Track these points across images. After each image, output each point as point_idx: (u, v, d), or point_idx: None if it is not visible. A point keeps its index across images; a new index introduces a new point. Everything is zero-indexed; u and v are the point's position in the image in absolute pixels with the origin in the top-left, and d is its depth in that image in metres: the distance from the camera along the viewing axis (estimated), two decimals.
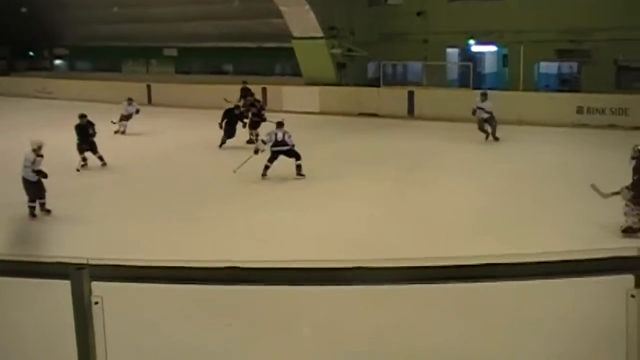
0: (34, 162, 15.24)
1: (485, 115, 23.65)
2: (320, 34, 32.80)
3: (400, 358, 8.11)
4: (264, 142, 18.90)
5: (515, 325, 8.75)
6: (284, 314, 8.73)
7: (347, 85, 33.21)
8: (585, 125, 26.02)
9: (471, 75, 30.84)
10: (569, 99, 27.85)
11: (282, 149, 18.54)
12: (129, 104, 26.98)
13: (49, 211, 15.41)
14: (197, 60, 41.47)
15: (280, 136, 18.61)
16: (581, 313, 8.56)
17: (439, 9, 33.20)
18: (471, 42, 33.22)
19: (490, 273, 2.20)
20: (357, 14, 33.85)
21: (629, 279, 2.18)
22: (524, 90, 29.32)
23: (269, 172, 18.47)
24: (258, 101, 25.86)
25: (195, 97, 34.33)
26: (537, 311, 8.75)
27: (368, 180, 17.97)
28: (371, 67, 35.20)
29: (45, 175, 15.39)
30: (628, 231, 12.69)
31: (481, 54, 35.31)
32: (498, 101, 24.89)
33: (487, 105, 23.70)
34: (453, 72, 35.05)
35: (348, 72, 34.02)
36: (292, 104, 31.95)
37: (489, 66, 36.36)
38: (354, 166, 19.59)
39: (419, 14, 33.29)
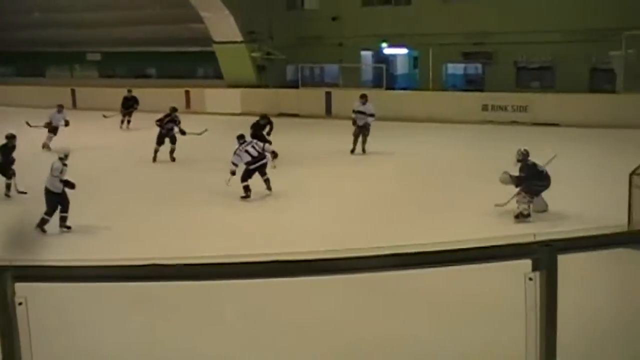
0: (62, 172, 13.80)
1: (370, 119, 21.04)
2: (241, 39, 32.71)
3: (329, 347, 8.16)
4: (235, 165, 16.33)
5: (430, 311, 8.90)
6: (207, 308, 8.64)
7: (267, 87, 33.18)
8: (490, 122, 26.66)
9: (384, 76, 31.27)
10: (475, 97, 28.50)
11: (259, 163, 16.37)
12: (59, 111, 24.09)
13: (69, 227, 13.74)
14: (121, 65, 40.62)
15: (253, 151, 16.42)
16: (487, 297, 8.75)
17: (352, 14, 33.53)
18: (384, 45, 33.62)
19: (403, 262, 2.23)
20: (276, 19, 33.82)
21: (527, 263, 2.25)
22: (433, 89, 29.88)
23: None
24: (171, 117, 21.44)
25: (119, 101, 33.58)
26: (447, 296, 8.90)
27: (287, 177, 17.92)
28: (290, 70, 35.21)
29: (73, 186, 13.83)
30: (519, 217, 13.50)
31: (393, 56, 35.78)
32: (410, 100, 25.35)
33: (368, 108, 21.25)
34: (367, 73, 35.39)
35: (268, 74, 33.99)
36: (214, 105, 31.78)
37: (401, 68, 36.88)
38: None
39: (334, 18, 33.57)
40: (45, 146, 22.96)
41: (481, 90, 30.21)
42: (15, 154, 17.23)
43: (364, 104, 21.15)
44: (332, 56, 33.29)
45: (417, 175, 17.65)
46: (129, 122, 28.10)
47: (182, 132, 20.97)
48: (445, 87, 32.14)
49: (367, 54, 35.60)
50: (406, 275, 2.28)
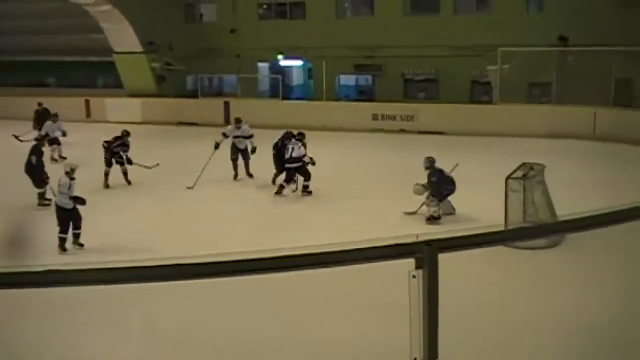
0: (69, 188, 12.81)
1: (245, 144, 18.97)
2: (140, 49, 32.10)
3: (210, 350, 8.06)
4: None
5: (323, 310, 8.94)
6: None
7: (167, 96, 32.66)
8: (380, 130, 27.12)
9: (280, 86, 31.36)
10: (366, 107, 28.94)
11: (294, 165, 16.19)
12: (54, 121, 21.62)
13: (82, 245, 12.81)
14: (20, 73, 38.94)
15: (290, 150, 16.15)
16: (375, 295, 8.82)
17: (250, 26, 33.52)
18: (280, 57, 33.74)
19: (298, 262, 2.23)
20: (175, 31, 33.42)
21: (411, 262, 2.29)
22: (327, 100, 30.15)
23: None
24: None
25: (17, 109, 32.17)
26: (339, 295, 8.95)
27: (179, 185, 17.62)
28: (190, 80, 34.84)
29: (83, 202, 12.83)
30: (431, 219, 13.85)
31: (289, 67, 35.94)
32: (305, 110, 25.52)
33: (245, 131, 19.20)
34: (264, 84, 35.45)
35: (168, 84, 33.49)
36: (115, 114, 30.92)
37: (296, 78, 37.06)
38: (177, 172, 19.05)
39: (232, 31, 33.44)
40: (56, 158, 21.07)
41: (372, 101, 30.76)
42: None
43: (239, 127, 19.28)
44: (231, 67, 33.14)
45: (318, 183, 17.64)
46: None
47: (129, 162, 18.21)
48: (339, 97, 32.51)
49: (264, 65, 35.64)
50: (298, 276, 2.27)
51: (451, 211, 14.30)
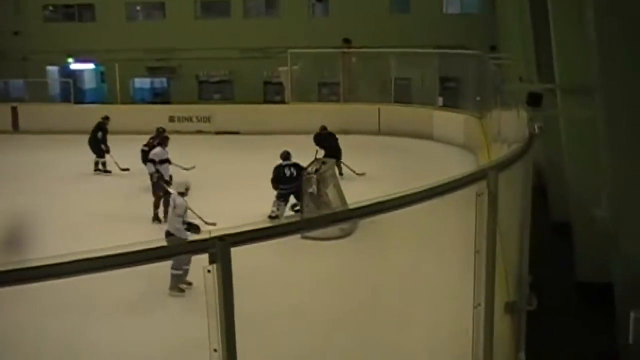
0: (185, 212, 10.61)
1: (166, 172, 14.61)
2: None
3: None
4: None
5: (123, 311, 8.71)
6: None
7: None
8: (177, 132, 26.62)
9: (72, 90, 29.87)
10: (162, 109, 28.32)
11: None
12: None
13: (190, 284, 9.82)
14: None
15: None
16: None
17: (36, 29, 31.81)
18: (70, 60, 32.25)
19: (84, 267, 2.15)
20: None
21: (204, 257, 2.29)
22: (121, 103, 29.19)
23: None
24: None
25: None
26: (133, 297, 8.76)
27: None
28: None
29: (197, 230, 10.22)
30: (271, 217, 13.20)
31: (80, 71, 34.45)
32: (98, 114, 24.55)
33: (159, 154, 14.84)
34: (55, 88, 33.62)
35: None
36: None
37: (89, 82, 35.67)
38: None
39: (16, 33, 31.42)
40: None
41: (168, 103, 30.26)
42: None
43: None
44: (17, 71, 31.11)
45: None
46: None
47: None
48: (134, 100, 31.66)
49: (53, 69, 33.88)
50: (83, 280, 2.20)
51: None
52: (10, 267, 2.01)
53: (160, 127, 17.75)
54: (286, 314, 8.60)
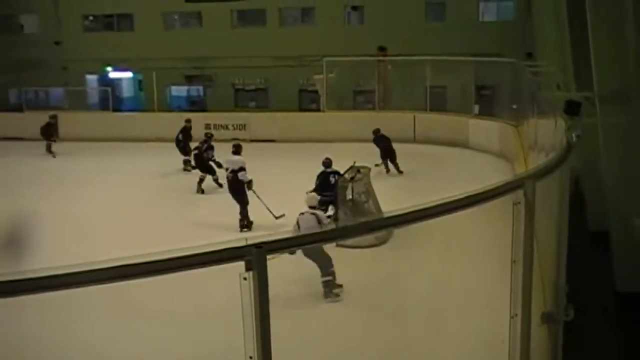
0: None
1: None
2: None
3: None
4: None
5: (159, 317, 8.75)
6: None
7: None
8: (213, 140, 26.90)
9: (110, 98, 30.29)
10: (198, 117, 28.60)
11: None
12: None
13: (340, 286, 9.91)
14: None
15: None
16: (208, 300, 8.73)
17: (75, 38, 32.36)
18: (108, 69, 32.74)
19: (130, 272, 2.18)
20: None
21: (241, 265, 2.30)
22: (159, 111, 29.52)
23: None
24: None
25: None
26: (174, 301, 8.74)
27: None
28: (13, 93, 32.90)
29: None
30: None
31: (119, 79, 34.95)
32: (137, 122, 24.95)
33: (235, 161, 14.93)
34: (93, 96, 34.16)
35: None
36: None
37: (127, 90, 36.14)
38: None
39: (57, 43, 32.03)
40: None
41: (204, 111, 30.50)
42: None
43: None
44: (57, 80, 31.69)
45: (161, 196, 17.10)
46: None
47: (219, 165, 17.13)
48: (170, 108, 32.01)
49: (92, 78, 34.44)
50: (130, 285, 2.22)
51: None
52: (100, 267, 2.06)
53: (209, 132, 19.19)
54: (319, 321, 8.59)
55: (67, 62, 31.97)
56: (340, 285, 9.80)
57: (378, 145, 19.42)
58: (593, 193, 15.12)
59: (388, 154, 19.19)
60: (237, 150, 15.32)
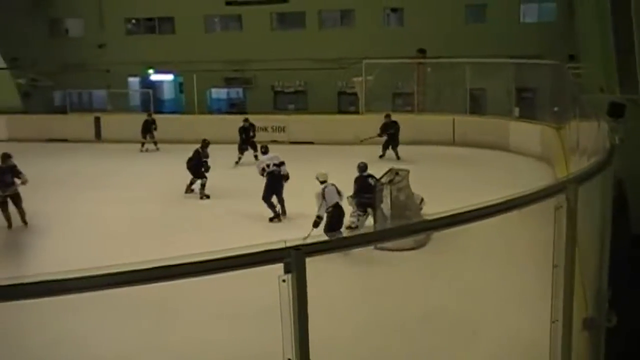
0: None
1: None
2: (4, 65, 30.63)
3: None
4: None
5: (200, 317, 8.82)
6: None
7: (33, 113, 31.22)
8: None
9: (151, 101, 30.71)
10: (238, 119, 28.78)
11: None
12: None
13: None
14: None
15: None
16: (251, 300, 8.76)
17: (118, 41, 32.83)
18: (150, 71, 33.15)
19: (170, 273, 2.20)
20: (40, 46, 32.13)
21: (280, 267, 2.31)
22: (199, 113, 29.82)
23: None
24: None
25: None
26: (214, 302, 8.81)
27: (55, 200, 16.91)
28: (58, 96, 33.55)
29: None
30: (351, 227, 12.88)
31: (160, 82, 35.35)
32: (177, 124, 25.22)
33: (275, 157, 15.83)
34: (135, 98, 34.65)
35: (34, 100, 32.11)
36: None
37: (168, 93, 36.54)
38: (48, 188, 18.11)
39: (100, 46, 32.57)
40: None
41: (244, 113, 30.64)
42: None
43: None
44: (100, 82, 32.22)
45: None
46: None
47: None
48: (210, 110, 32.30)
49: (134, 80, 34.92)
50: (171, 286, 2.24)
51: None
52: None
53: (206, 139, 18.60)
54: (357, 324, 8.56)
55: (109, 64, 32.42)
56: None
57: (386, 130, 21.12)
58: (636, 196, 14.83)
59: (392, 141, 20.96)
60: (266, 151, 16.67)
